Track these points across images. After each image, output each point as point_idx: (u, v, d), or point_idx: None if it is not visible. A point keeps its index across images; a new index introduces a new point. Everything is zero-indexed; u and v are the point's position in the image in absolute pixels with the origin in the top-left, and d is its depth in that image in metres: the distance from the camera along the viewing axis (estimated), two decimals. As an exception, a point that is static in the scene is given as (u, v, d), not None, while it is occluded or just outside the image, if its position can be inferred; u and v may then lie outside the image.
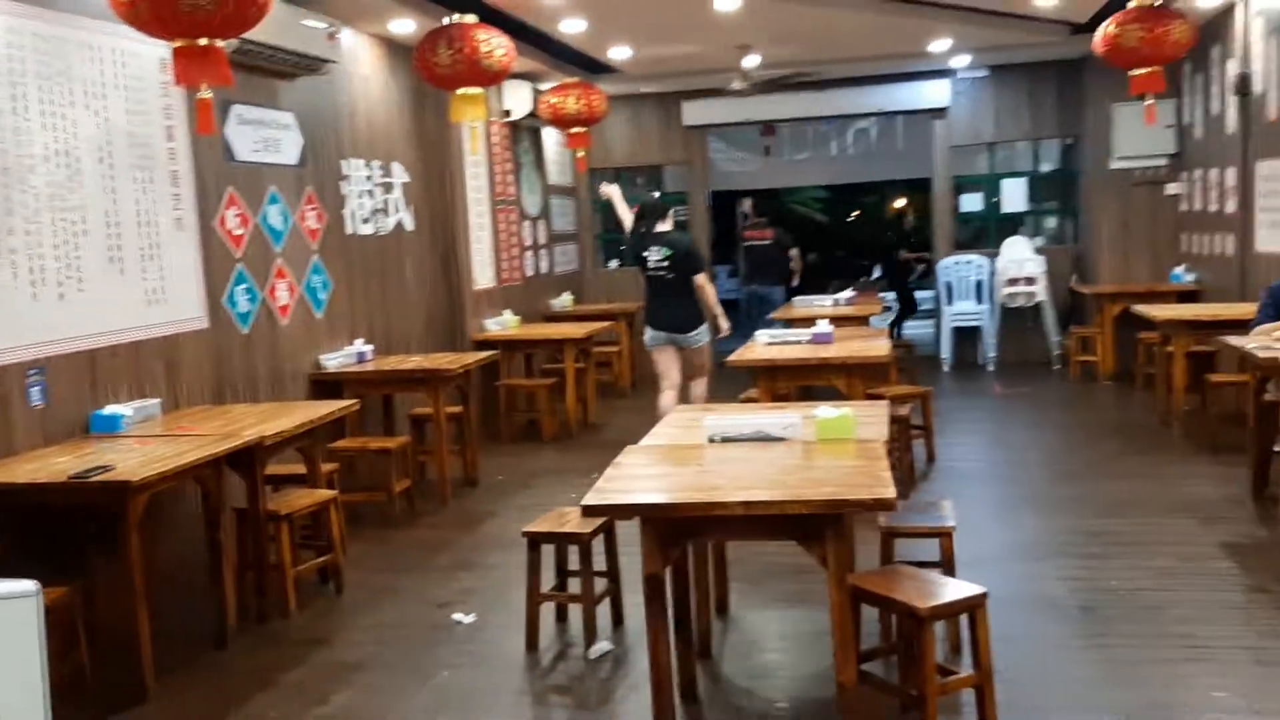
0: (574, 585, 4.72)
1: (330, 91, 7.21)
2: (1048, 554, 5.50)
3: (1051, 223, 12.09)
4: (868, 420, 4.28)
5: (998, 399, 10.12)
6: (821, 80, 11.75)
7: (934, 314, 12.90)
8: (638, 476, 3.77)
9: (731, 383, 8.46)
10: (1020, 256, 11.48)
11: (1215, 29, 8.96)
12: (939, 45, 10.20)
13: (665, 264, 7.91)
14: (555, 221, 11.67)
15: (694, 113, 12.27)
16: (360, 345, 7.24)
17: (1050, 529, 5.92)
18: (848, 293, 10.11)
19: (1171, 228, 10.82)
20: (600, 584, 4.69)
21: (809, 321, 8.57)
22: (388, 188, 8.02)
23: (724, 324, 8.23)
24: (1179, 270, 10.38)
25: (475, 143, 7.96)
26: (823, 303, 9.84)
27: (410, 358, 7.48)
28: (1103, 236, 11.10)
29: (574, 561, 4.67)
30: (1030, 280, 11.40)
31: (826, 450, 3.94)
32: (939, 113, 11.93)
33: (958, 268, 11.90)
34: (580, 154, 10.11)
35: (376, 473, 6.69)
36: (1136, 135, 10.69)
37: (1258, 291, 8.16)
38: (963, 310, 11.73)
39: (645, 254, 8.02)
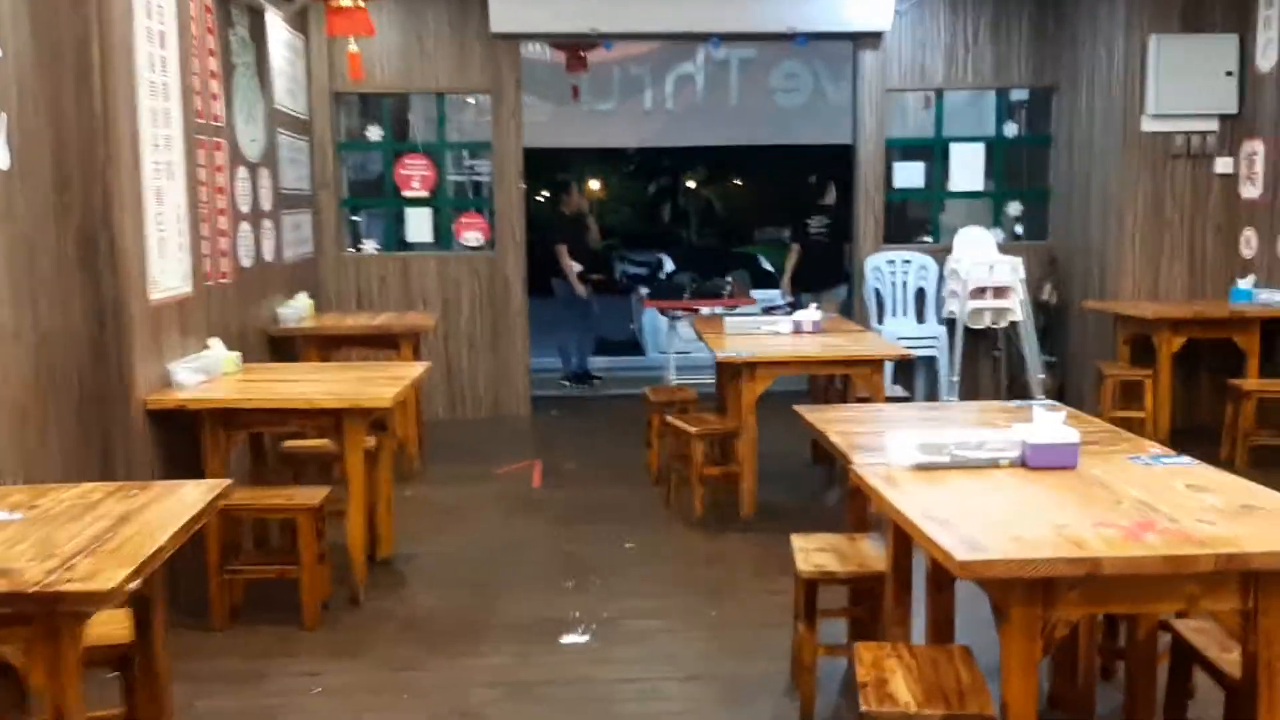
0: None
1: None
2: None
3: (1015, 209, 8.57)
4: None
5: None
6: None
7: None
8: None
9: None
10: (988, 257, 7.90)
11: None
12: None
13: None
14: (284, 173, 6.88)
15: (507, 14, 7.79)
16: None
17: None
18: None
19: (1227, 221, 7.49)
20: None
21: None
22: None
23: None
24: (1245, 284, 7.09)
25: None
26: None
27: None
28: (1125, 230, 7.62)
29: None
30: (1001, 291, 7.85)
31: None
32: (872, 39, 8.13)
33: (890, 270, 8.18)
34: (352, 47, 5.60)
35: None
36: (1182, 85, 7.32)
37: None
38: (902, 333, 8.01)
39: None
